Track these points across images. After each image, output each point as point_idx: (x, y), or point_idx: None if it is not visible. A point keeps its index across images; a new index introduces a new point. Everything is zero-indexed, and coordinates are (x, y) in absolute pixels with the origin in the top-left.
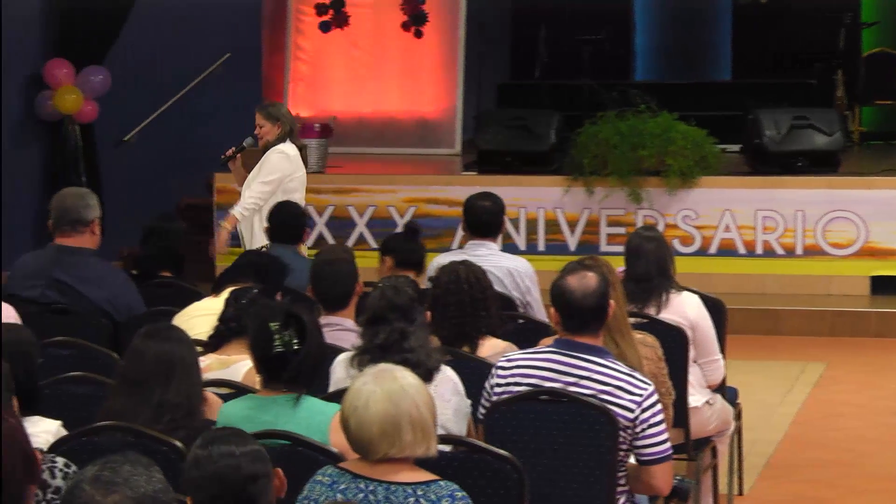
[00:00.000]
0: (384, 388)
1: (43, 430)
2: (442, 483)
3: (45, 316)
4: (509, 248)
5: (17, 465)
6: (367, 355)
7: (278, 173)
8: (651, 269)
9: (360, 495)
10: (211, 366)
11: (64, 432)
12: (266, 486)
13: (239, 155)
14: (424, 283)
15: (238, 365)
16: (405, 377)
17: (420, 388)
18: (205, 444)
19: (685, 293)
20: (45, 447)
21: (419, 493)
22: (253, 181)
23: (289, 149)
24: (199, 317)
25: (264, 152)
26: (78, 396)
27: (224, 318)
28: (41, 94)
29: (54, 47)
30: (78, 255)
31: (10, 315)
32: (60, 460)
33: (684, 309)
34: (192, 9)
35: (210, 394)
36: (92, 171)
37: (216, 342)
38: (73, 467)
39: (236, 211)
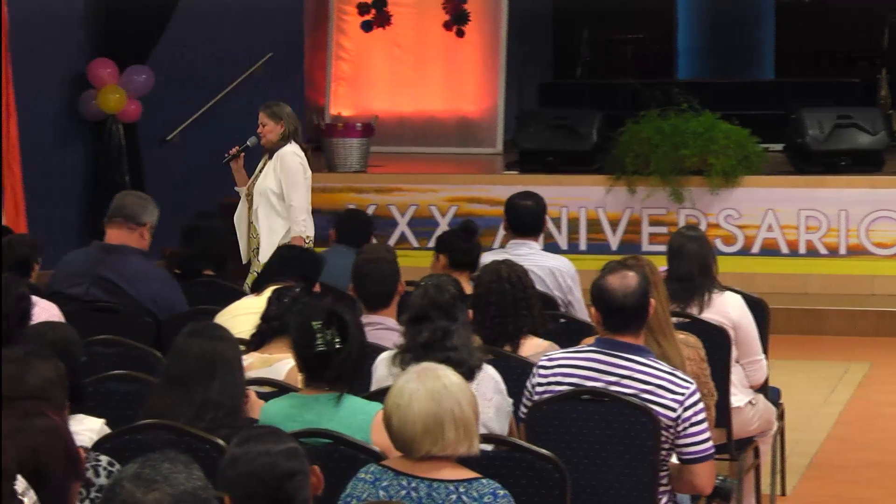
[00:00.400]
0: (427, 386)
1: (86, 429)
2: (484, 481)
3: (89, 314)
4: (551, 247)
5: (60, 462)
6: (409, 354)
7: (301, 176)
8: (693, 268)
9: (403, 492)
10: (253, 364)
11: (107, 430)
12: (303, 484)
13: (242, 155)
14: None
15: (280, 364)
16: (448, 375)
17: (462, 387)
18: (241, 443)
19: (728, 293)
20: (88, 445)
21: (461, 490)
22: (287, 196)
23: (297, 150)
24: (242, 315)
25: (269, 152)
26: (121, 394)
27: (266, 317)
28: (85, 93)
29: (98, 47)
30: (121, 252)
31: (54, 313)
32: (104, 459)
33: (727, 309)
34: (235, 8)
35: (252, 392)
36: (135, 170)
37: (258, 341)
38: (117, 466)
39: (300, 232)
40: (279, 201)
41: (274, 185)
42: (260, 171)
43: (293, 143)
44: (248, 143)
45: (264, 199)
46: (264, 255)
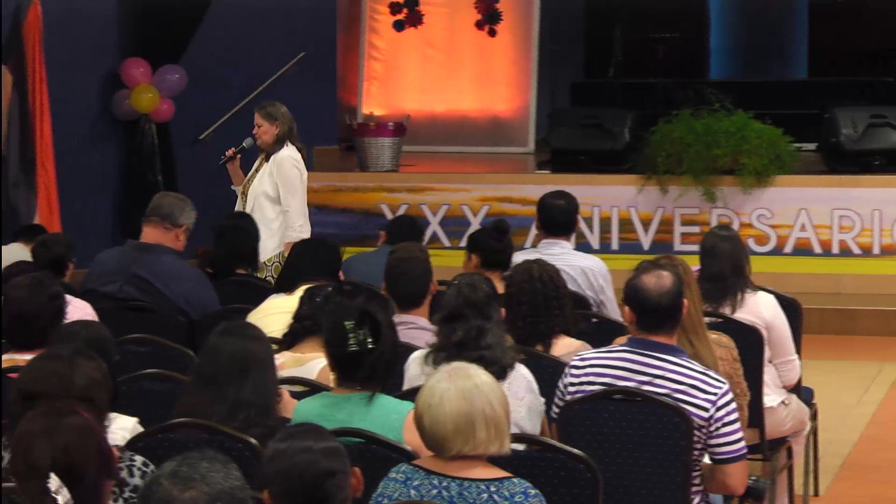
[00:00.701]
0: (458, 385)
1: (120, 427)
2: (515, 480)
3: (122, 313)
4: (583, 246)
5: (93, 461)
6: (443, 353)
7: (298, 181)
8: (726, 268)
9: (434, 492)
10: (285, 363)
11: (140, 429)
12: (342, 483)
13: (238, 156)
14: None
15: (313, 363)
16: (479, 375)
17: (493, 386)
18: (283, 438)
19: (761, 293)
20: (122, 444)
21: (492, 489)
22: (284, 200)
23: (294, 153)
24: (274, 314)
25: (266, 153)
26: (154, 393)
27: (299, 316)
28: (118, 93)
29: (131, 46)
30: (155, 251)
31: (88, 312)
32: (139, 459)
33: (759, 309)
34: (267, 8)
35: (285, 392)
36: (167, 169)
37: (290, 340)
38: (151, 467)
39: (294, 238)
40: (272, 205)
41: (269, 188)
42: (255, 172)
43: (289, 144)
44: (244, 144)
45: (258, 201)
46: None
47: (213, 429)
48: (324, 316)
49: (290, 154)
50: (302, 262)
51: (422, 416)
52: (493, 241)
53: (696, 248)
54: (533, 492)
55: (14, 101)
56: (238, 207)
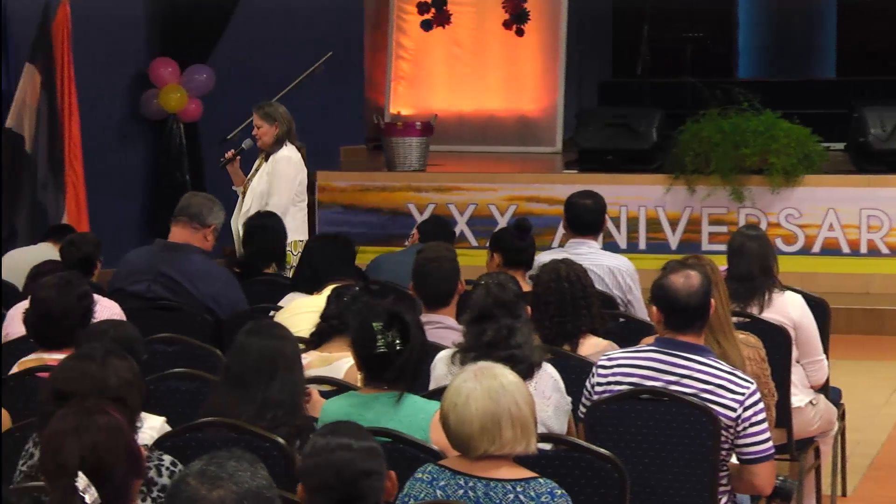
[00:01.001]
0: (484, 385)
1: (148, 427)
2: (541, 480)
3: (150, 312)
4: (610, 246)
5: (122, 460)
6: (472, 353)
7: (288, 180)
8: (754, 268)
9: (460, 492)
10: (312, 363)
11: (168, 428)
12: (377, 485)
13: (238, 158)
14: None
15: (340, 362)
16: (505, 374)
17: (520, 386)
18: (325, 433)
19: (788, 293)
20: (149, 443)
21: (518, 489)
22: (269, 194)
23: (292, 153)
24: (302, 314)
25: (265, 153)
26: (182, 393)
27: (326, 316)
28: (146, 92)
29: (159, 46)
30: (183, 251)
31: (116, 312)
32: (167, 459)
33: (787, 309)
34: (295, 8)
35: (315, 391)
36: (195, 169)
37: (318, 339)
38: (180, 466)
39: None
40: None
41: (266, 187)
42: (255, 172)
43: (288, 144)
44: (243, 145)
45: (256, 201)
46: None
47: (240, 428)
48: (351, 316)
49: (288, 154)
50: (319, 260)
51: (448, 416)
52: (515, 240)
53: (723, 247)
54: (559, 492)
55: (42, 100)
56: (238, 207)
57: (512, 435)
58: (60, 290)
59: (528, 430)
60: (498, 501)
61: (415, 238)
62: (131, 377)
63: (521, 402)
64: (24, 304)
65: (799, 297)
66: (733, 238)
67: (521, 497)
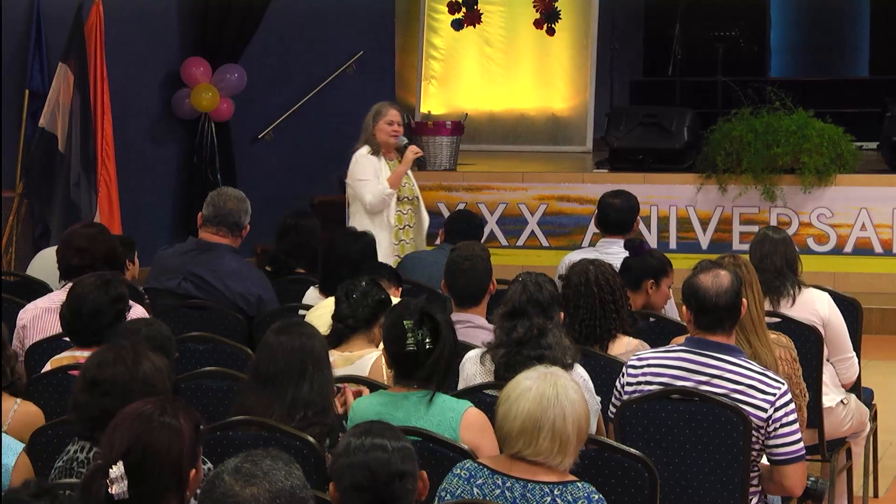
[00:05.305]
0: (540, 389)
1: None
2: (580, 484)
3: (182, 311)
4: None
5: (165, 470)
6: (501, 349)
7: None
8: (778, 261)
9: (497, 491)
10: (335, 363)
11: None
12: (411, 487)
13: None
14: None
15: (364, 360)
16: (566, 387)
17: (576, 403)
18: (359, 433)
19: (814, 289)
20: None
21: (556, 493)
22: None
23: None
24: (328, 313)
25: (399, 153)
26: (213, 391)
27: (339, 317)
28: (178, 92)
29: (191, 46)
30: (216, 250)
31: (138, 311)
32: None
33: (815, 305)
34: (326, 8)
35: (350, 390)
36: (227, 168)
37: (336, 340)
38: (209, 464)
39: None
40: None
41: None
42: (398, 175)
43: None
44: (401, 142)
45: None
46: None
47: (271, 427)
48: (385, 313)
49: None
50: (358, 259)
51: (499, 405)
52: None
53: None
54: (596, 497)
55: (76, 100)
56: (407, 216)
57: (549, 446)
58: (98, 289)
59: (566, 447)
60: (535, 503)
61: (441, 237)
62: (162, 367)
63: (570, 418)
64: (40, 301)
65: (825, 294)
66: (757, 234)
67: (559, 500)
